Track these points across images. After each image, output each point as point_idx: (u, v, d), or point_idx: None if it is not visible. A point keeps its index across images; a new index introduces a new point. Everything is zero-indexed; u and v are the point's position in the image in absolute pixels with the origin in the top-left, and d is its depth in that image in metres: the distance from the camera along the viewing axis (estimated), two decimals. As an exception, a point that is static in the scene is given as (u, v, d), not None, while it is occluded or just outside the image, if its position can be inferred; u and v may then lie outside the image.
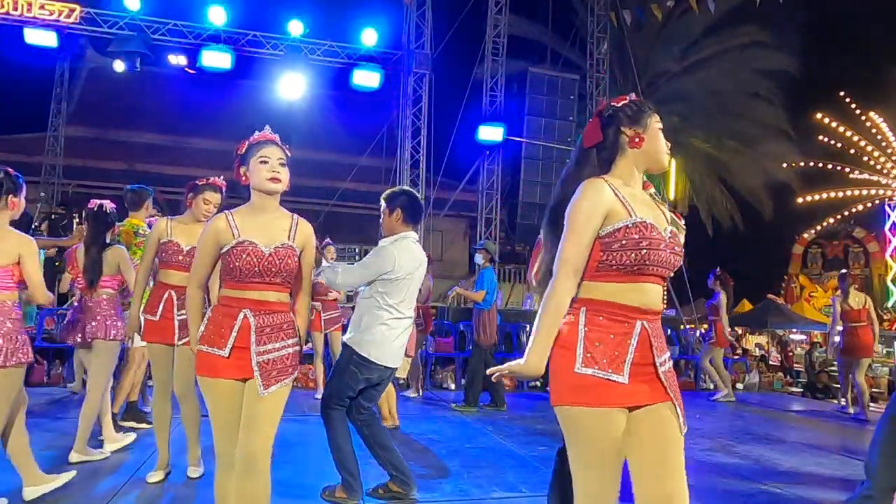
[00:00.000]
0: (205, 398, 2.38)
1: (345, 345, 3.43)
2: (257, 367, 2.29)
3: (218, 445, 2.38)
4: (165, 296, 3.52)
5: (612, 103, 1.96)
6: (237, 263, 2.28)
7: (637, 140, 1.90)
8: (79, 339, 3.94)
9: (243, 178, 2.38)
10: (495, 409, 6.58)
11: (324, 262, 3.55)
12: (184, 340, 3.43)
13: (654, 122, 1.94)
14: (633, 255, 1.77)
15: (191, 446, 3.69)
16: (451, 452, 4.69)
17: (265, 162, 2.33)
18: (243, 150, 2.39)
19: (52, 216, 11.31)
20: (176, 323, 3.48)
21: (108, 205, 4.10)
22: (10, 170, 3.10)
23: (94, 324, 3.91)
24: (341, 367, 3.41)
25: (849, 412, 7.46)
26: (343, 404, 3.40)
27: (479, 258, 6.89)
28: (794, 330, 15.73)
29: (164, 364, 3.56)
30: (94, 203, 4.11)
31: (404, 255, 3.43)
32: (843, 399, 7.72)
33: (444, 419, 6.06)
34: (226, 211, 2.39)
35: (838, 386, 8.03)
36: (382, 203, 3.62)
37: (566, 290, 1.78)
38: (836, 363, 8.29)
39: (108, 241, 4.07)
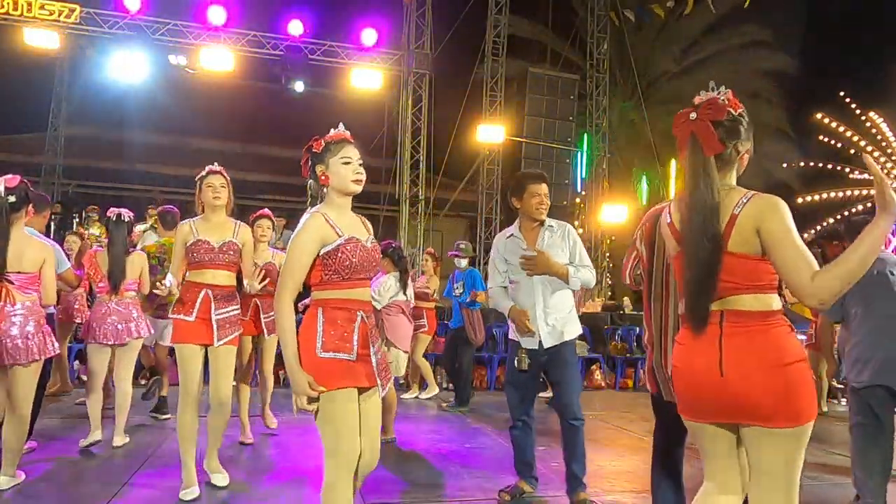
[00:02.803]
0: (330, 408, 2.18)
1: (573, 342, 3.47)
2: (377, 368, 2.29)
3: (344, 452, 2.20)
4: (202, 295, 3.40)
5: (731, 110, 1.87)
6: (353, 260, 2.23)
7: (747, 156, 1.91)
8: (116, 342, 4.17)
9: (322, 177, 2.29)
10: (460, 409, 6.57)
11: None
12: (224, 341, 3.39)
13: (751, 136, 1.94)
14: None
15: (212, 453, 3.58)
16: (450, 452, 4.69)
17: (348, 163, 2.28)
18: (320, 148, 2.31)
19: (52, 216, 11.31)
20: (214, 323, 3.38)
21: (127, 213, 4.35)
22: (25, 180, 3.40)
23: (126, 325, 4.18)
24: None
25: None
26: None
27: (465, 263, 6.90)
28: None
29: (195, 369, 3.38)
30: (112, 211, 4.35)
31: None
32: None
33: (443, 419, 6.06)
34: (314, 210, 2.29)
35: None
36: (546, 186, 3.50)
37: None
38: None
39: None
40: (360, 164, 2.32)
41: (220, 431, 3.54)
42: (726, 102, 1.87)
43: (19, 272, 3.29)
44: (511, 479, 3.84)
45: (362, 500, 3.49)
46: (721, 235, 1.80)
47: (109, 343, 4.17)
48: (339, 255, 2.21)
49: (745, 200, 1.81)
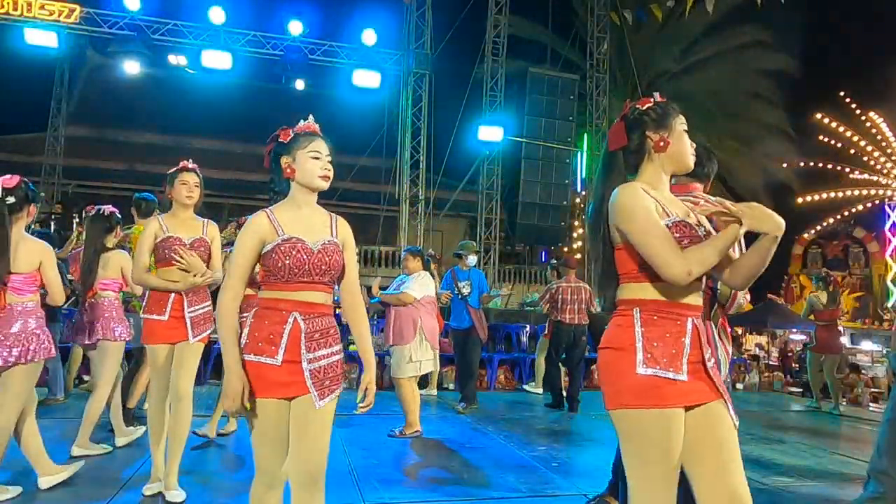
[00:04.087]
0: (251, 414, 2.12)
1: None
2: (310, 376, 2.10)
3: (262, 463, 2.15)
4: (173, 294, 3.35)
5: (637, 106, 1.94)
6: (286, 261, 2.08)
7: (662, 144, 1.89)
8: (87, 341, 4.07)
9: (287, 170, 2.17)
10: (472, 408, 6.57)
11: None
12: (198, 338, 3.35)
13: (679, 124, 1.93)
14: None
15: (172, 463, 3.30)
16: (451, 452, 4.69)
17: (317, 157, 2.17)
18: (287, 139, 2.19)
19: (52, 216, 11.31)
20: (188, 320, 3.33)
21: (108, 209, 4.20)
22: (25, 179, 3.31)
23: (98, 325, 4.05)
24: None
25: (822, 408, 7.84)
26: None
27: (474, 260, 6.92)
28: (794, 330, 15.74)
29: (167, 368, 3.34)
30: (91, 208, 4.25)
31: None
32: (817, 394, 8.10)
33: (444, 419, 6.06)
34: (265, 209, 2.19)
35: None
36: None
37: None
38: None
39: (109, 244, 4.19)
40: (330, 161, 2.21)
41: (182, 437, 3.31)
42: (636, 102, 1.97)
43: (13, 273, 3.18)
44: (511, 478, 3.86)
45: (362, 499, 3.49)
46: (604, 227, 1.88)
47: (81, 343, 4.09)
48: (274, 255, 2.10)
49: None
